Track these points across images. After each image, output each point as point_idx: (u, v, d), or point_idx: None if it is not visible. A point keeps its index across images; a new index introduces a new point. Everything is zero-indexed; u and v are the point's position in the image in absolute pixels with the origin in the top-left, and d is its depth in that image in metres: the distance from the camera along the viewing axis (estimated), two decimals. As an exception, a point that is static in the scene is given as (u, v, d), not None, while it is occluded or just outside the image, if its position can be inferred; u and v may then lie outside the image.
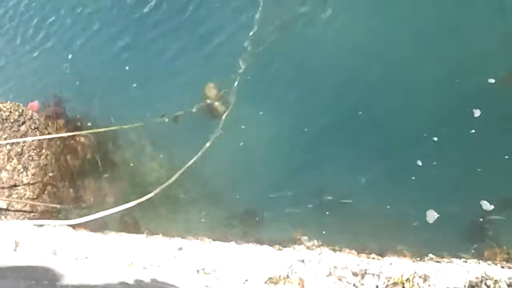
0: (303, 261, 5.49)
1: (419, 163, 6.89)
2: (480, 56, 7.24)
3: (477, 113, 6.90)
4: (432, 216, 6.50)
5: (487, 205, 6.40)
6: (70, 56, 10.41)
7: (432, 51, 7.59)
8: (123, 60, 9.68)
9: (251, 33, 8.75)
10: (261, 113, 8.20)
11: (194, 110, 8.56)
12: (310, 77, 8.12)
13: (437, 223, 6.46)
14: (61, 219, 7.52)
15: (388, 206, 6.77)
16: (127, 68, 9.56)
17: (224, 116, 8.40)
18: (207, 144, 8.06)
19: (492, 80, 7.04)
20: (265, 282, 5.38)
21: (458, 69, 7.32)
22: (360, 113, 7.58)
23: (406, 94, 7.46)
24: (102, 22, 10.29)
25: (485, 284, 4.95)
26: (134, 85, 9.31)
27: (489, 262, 5.39)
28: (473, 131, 6.84)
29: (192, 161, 7.82)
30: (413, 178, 6.81)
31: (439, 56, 7.51)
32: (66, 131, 8.76)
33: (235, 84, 8.55)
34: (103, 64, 9.95)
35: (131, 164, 8.77)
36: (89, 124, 9.16)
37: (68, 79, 10.17)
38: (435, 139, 6.94)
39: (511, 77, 6.95)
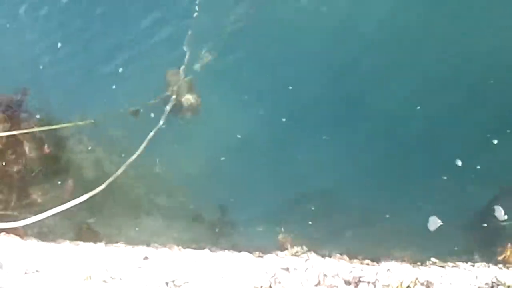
0: (287, 269, 5.37)
1: (422, 166, 6.72)
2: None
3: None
4: (434, 223, 6.35)
5: (500, 213, 6.28)
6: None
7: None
8: (82, 51, 9.35)
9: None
10: (233, 103, 7.98)
11: (154, 102, 8.29)
12: (289, 63, 7.87)
13: (441, 229, 6.31)
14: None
15: (383, 208, 6.58)
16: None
17: (168, 106, 8.21)
18: (151, 133, 7.76)
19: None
20: (245, 294, 5.23)
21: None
22: (357, 103, 7.33)
23: (413, 85, 7.21)
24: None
25: (496, 290, 4.86)
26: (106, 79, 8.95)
27: (500, 266, 5.30)
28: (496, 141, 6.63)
29: (137, 153, 7.57)
30: (415, 180, 6.62)
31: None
32: (10, 127, 8.43)
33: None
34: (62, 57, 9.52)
35: (84, 162, 8.53)
36: (37, 116, 8.81)
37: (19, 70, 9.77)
38: (445, 140, 6.80)
39: None
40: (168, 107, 8.20)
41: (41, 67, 9.32)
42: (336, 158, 7.00)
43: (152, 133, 7.80)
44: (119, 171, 7.37)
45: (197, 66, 8.35)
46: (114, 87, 8.66)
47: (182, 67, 8.38)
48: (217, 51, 8.29)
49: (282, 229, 6.51)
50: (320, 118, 7.39)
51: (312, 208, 6.86)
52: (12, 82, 9.18)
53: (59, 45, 9.24)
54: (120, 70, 8.74)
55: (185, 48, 8.42)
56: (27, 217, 6.84)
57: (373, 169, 6.84)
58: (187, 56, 8.38)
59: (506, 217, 6.24)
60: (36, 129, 8.34)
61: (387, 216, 6.50)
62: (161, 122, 8.00)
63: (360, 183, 6.83)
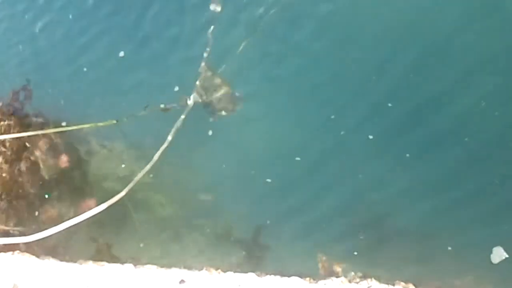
0: None
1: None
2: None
3: None
4: (499, 254, 5.96)
5: None
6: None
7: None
8: (106, 44, 8.96)
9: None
10: (273, 103, 7.51)
11: (183, 100, 7.94)
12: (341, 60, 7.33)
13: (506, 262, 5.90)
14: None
15: (443, 235, 6.18)
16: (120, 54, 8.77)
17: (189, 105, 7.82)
18: (169, 138, 7.45)
19: None
20: (297, 325, 4.89)
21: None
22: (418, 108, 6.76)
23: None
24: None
25: None
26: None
27: None
28: None
29: (157, 155, 7.29)
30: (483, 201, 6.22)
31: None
32: (20, 131, 8.13)
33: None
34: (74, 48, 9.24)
35: (103, 169, 8.14)
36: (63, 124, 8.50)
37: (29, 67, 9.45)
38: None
39: None
40: (190, 103, 7.80)
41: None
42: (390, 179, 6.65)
43: (170, 137, 7.47)
44: (139, 176, 7.15)
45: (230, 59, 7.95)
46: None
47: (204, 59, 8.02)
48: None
49: (332, 254, 6.16)
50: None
51: (361, 237, 6.45)
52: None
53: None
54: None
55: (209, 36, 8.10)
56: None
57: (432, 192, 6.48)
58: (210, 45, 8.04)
59: None
60: (52, 130, 8.12)
61: (449, 248, 6.11)
62: (178, 123, 7.60)
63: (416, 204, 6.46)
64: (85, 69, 8.90)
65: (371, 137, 6.85)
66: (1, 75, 9.51)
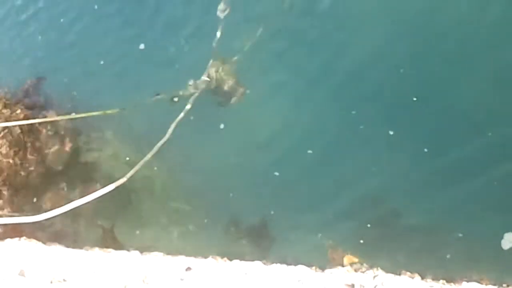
0: (353, 286, 5.03)
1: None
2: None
3: None
4: (510, 241, 6.02)
5: None
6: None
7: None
8: (113, 31, 9.21)
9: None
10: (280, 95, 7.67)
11: (193, 89, 7.97)
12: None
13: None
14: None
15: (453, 221, 6.25)
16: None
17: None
18: (173, 125, 7.48)
19: None
20: (304, 314, 4.93)
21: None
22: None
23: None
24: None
25: None
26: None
27: None
28: None
29: (161, 142, 7.29)
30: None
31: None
32: (26, 117, 8.17)
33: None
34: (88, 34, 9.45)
35: (109, 158, 8.29)
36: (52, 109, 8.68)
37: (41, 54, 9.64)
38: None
39: None
40: (197, 93, 7.89)
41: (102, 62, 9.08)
42: (398, 166, 6.71)
43: (173, 125, 7.50)
44: (142, 161, 7.09)
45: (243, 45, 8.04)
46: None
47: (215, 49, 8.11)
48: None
49: (339, 244, 6.24)
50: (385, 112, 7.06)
51: (369, 225, 6.53)
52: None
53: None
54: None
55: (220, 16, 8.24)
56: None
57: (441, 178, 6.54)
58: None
59: None
60: (60, 118, 8.21)
61: (459, 235, 6.18)
62: (185, 112, 7.66)
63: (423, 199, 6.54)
64: (102, 62, 9.01)
65: (391, 132, 6.91)
66: (17, 63, 9.65)
